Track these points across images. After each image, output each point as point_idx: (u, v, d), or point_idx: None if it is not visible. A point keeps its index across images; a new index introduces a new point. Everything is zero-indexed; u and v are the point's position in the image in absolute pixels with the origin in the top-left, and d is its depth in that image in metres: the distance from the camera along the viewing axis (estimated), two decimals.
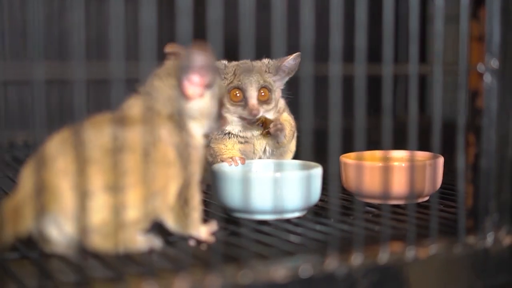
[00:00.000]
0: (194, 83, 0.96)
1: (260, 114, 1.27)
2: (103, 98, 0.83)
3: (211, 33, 0.81)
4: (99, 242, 0.89)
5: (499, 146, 0.99)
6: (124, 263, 0.89)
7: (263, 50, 0.96)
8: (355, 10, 0.90)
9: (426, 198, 1.27)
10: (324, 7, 0.91)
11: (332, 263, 0.89)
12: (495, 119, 0.98)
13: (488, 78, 0.98)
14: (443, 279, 0.97)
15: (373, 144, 1.07)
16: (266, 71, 1.29)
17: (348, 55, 0.91)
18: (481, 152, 0.99)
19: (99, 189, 0.87)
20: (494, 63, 0.98)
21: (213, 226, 1.02)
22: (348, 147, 1.04)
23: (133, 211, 0.89)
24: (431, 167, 1.22)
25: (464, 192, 1.01)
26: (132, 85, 0.82)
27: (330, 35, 0.88)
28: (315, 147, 0.95)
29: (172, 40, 0.95)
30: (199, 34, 0.83)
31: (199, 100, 0.98)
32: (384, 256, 0.92)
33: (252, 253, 0.89)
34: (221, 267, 0.84)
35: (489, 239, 0.99)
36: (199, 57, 0.93)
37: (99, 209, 0.87)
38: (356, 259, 0.90)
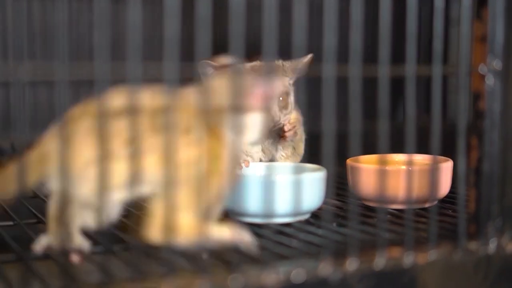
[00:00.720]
0: (259, 97, 0.94)
1: (281, 121, 1.25)
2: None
3: (199, 33, 0.79)
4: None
5: (502, 149, 0.97)
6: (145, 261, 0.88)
7: (253, 50, 0.94)
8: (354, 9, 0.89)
9: (434, 203, 1.25)
10: (319, 6, 0.89)
11: (326, 268, 0.87)
12: (498, 122, 0.96)
13: (490, 80, 0.95)
14: (443, 286, 0.94)
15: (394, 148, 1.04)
16: (283, 75, 1.26)
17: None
18: (483, 155, 0.96)
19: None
20: (497, 64, 0.95)
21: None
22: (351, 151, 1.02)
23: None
24: (437, 172, 1.20)
25: (466, 196, 0.98)
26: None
27: (324, 35, 0.86)
28: (318, 150, 0.94)
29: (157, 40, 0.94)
30: (188, 35, 0.82)
31: (258, 114, 0.95)
32: (380, 261, 0.90)
33: (243, 256, 0.88)
34: (211, 270, 0.83)
35: (492, 245, 0.97)
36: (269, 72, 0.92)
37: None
38: (352, 264, 0.88)
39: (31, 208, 1.18)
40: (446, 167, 1.22)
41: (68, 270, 0.87)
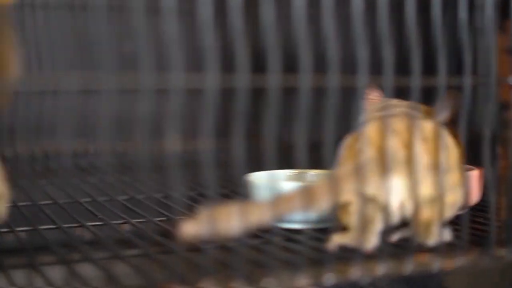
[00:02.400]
0: None
1: None
2: None
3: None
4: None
5: None
6: None
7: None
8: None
9: (465, 211, 1.27)
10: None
11: (356, 272, 0.90)
12: None
13: None
14: None
15: None
16: None
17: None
18: (509, 164, 0.99)
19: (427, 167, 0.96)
20: None
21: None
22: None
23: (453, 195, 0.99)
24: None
25: (497, 204, 1.01)
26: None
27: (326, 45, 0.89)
28: None
29: None
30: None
31: None
32: (409, 266, 0.93)
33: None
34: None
35: None
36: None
37: (428, 186, 0.96)
38: (381, 268, 0.91)
39: (71, 213, 1.23)
40: (473, 175, 1.24)
41: (110, 274, 0.91)
